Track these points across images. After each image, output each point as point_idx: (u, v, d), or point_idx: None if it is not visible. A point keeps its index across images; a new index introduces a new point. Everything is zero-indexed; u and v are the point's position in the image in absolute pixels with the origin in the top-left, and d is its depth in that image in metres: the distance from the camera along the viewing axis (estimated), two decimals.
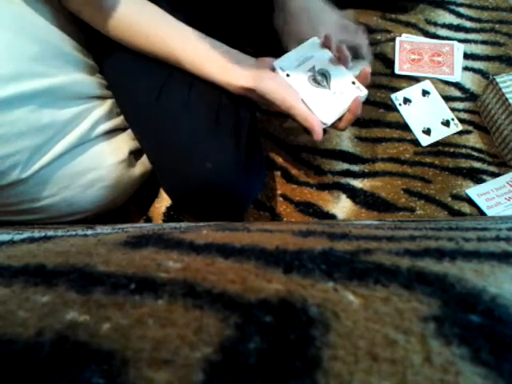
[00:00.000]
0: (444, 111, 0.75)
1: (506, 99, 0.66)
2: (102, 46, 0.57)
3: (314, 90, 0.52)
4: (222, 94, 0.53)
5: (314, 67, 0.53)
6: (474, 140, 0.74)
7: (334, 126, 0.53)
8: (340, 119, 0.52)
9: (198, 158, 0.50)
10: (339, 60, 0.53)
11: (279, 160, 0.74)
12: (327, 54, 0.54)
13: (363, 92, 0.52)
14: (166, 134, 0.52)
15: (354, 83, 0.52)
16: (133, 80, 0.55)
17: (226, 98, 0.54)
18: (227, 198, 0.53)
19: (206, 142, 0.50)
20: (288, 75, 0.52)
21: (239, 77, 0.50)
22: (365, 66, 0.52)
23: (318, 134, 0.49)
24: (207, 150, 0.50)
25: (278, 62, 0.53)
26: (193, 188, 0.51)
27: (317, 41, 0.54)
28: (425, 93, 0.77)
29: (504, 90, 0.67)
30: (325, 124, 0.51)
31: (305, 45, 0.54)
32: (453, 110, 0.75)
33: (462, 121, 0.75)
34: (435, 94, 0.77)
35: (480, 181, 0.70)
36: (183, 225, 0.42)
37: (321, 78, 0.52)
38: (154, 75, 0.53)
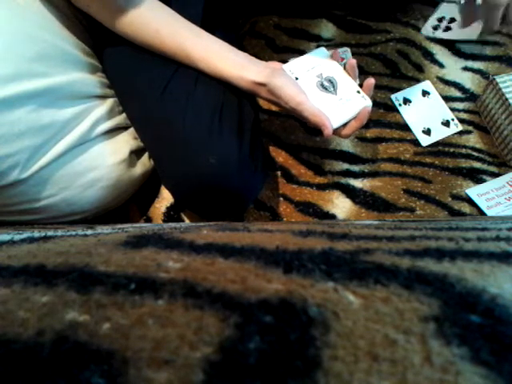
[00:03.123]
0: (444, 111, 0.75)
1: (506, 99, 0.66)
2: (104, 43, 0.57)
3: (322, 95, 0.53)
4: (226, 90, 0.54)
5: (321, 74, 0.55)
6: (473, 140, 0.74)
7: (337, 132, 0.54)
8: (344, 126, 0.54)
9: (201, 154, 0.50)
10: (348, 73, 0.55)
11: (279, 160, 0.74)
12: (334, 63, 0.56)
13: (368, 101, 0.53)
14: (169, 129, 0.52)
15: (358, 92, 0.53)
16: (137, 76, 0.55)
17: (230, 95, 0.54)
18: (230, 194, 0.53)
19: (210, 138, 0.51)
20: (297, 78, 0.54)
21: (252, 72, 0.51)
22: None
23: (329, 129, 0.50)
24: (211, 146, 0.50)
25: (287, 66, 0.55)
26: (196, 183, 0.51)
27: (324, 50, 0.57)
28: (425, 93, 0.77)
29: (504, 90, 0.67)
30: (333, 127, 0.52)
31: (313, 53, 0.57)
32: (453, 110, 0.75)
33: (461, 121, 0.75)
34: (435, 94, 0.77)
35: (480, 181, 0.70)
36: (183, 225, 0.42)
37: (328, 84, 0.54)
38: (158, 71, 0.53)
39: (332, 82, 0.54)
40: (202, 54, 0.51)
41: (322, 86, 0.54)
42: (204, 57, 0.51)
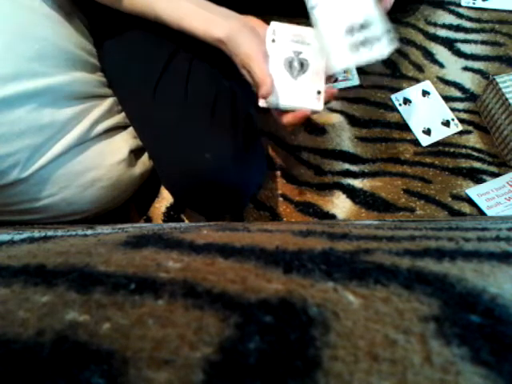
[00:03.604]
0: (444, 111, 0.75)
1: (506, 99, 0.66)
2: (104, 42, 0.57)
3: (282, 71, 0.49)
4: (218, 84, 0.53)
5: (299, 52, 0.50)
6: (473, 140, 0.74)
7: (278, 115, 0.51)
8: (286, 112, 0.50)
9: (196, 150, 0.50)
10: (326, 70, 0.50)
11: (279, 160, 0.74)
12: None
13: (318, 107, 0.49)
14: (163, 127, 0.52)
15: (318, 93, 0.49)
16: (131, 75, 0.55)
17: (223, 89, 0.54)
18: (227, 189, 0.53)
19: (204, 134, 0.51)
20: (273, 41, 0.50)
21: (216, 27, 0.48)
22: None
23: (268, 88, 0.46)
24: (205, 141, 0.50)
25: (276, 24, 0.50)
26: (193, 180, 0.51)
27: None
28: (425, 93, 0.77)
29: (504, 90, 0.67)
30: (281, 105, 0.49)
31: (310, 29, 0.51)
32: (453, 110, 0.75)
33: (461, 121, 0.75)
34: (435, 94, 0.76)
35: (480, 181, 0.70)
36: (183, 225, 0.42)
37: (297, 66, 0.50)
38: (151, 68, 0.53)
39: (302, 67, 0.50)
40: (172, 12, 0.49)
41: (289, 64, 0.49)
42: (174, 15, 0.49)
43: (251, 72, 0.47)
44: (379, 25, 0.46)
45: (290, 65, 0.50)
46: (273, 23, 0.50)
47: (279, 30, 0.50)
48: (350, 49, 0.46)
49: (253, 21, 0.51)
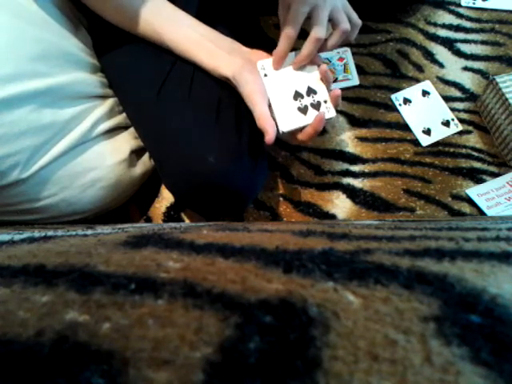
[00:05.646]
0: (444, 111, 0.75)
1: (506, 99, 0.66)
2: (104, 43, 0.57)
3: (284, 99, 0.51)
4: (223, 87, 0.53)
5: (294, 79, 0.52)
6: (474, 140, 0.74)
7: (293, 137, 0.52)
8: (300, 130, 0.51)
9: (200, 153, 0.50)
10: (323, 80, 0.52)
11: (279, 160, 0.74)
12: (312, 67, 0.52)
13: (330, 114, 0.51)
14: (167, 129, 0.52)
15: (325, 102, 0.51)
16: (133, 77, 0.55)
17: (227, 93, 0.54)
18: (229, 192, 0.53)
19: (208, 137, 0.50)
20: (266, 75, 0.51)
21: (223, 64, 0.50)
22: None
23: (270, 136, 0.47)
24: (209, 145, 0.50)
25: (261, 62, 0.52)
26: (195, 183, 0.51)
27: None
28: (425, 93, 0.77)
29: (504, 90, 0.67)
30: (281, 131, 0.50)
31: (293, 53, 0.53)
32: (453, 110, 0.75)
33: (462, 121, 0.75)
34: (435, 94, 0.77)
35: (480, 181, 0.70)
36: (183, 225, 0.42)
37: (299, 92, 0.51)
38: (154, 71, 0.53)
39: (302, 91, 0.51)
40: (178, 41, 0.50)
41: (290, 93, 0.51)
42: (180, 46, 0.51)
43: (253, 115, 0.49)
44: (324, 91, 0.51)
45: (290, 94, 0.52)
46: (259, 62, 0.52)
47: (267, 65, 0.52)
48: (298, 110, 0.51)
49: (257, 55, 0.52)
